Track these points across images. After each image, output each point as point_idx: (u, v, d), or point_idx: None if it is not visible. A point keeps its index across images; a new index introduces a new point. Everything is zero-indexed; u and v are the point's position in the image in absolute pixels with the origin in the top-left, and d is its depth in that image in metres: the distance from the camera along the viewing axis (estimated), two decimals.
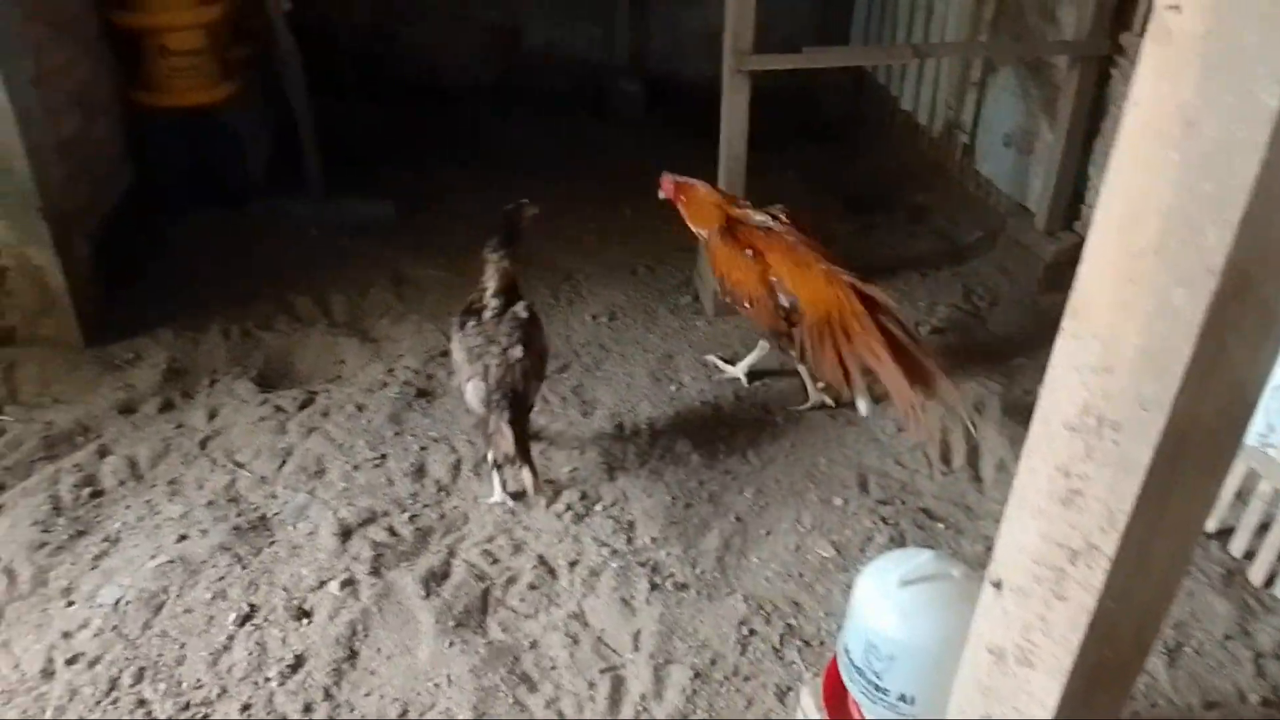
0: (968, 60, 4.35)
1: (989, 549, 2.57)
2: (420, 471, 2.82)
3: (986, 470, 2.89)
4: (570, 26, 5.55)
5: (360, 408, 3.06)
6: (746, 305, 2.99)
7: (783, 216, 3.00)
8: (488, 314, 2.67)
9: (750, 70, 3.17)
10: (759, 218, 3.00)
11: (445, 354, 3.34)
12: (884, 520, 2.67)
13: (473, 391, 2.60)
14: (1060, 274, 3.71)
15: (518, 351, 2.59)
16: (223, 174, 4.14)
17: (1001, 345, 3.49)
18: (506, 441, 2.50)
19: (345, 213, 4.22)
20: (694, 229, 3.13)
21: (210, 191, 4.13)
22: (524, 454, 2.52)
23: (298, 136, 4.15)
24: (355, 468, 2.82)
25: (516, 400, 2.56)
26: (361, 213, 4.23)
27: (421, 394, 3.15)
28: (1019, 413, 3.09)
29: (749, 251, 2.94)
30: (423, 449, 2.91)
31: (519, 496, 2.70)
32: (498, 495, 2.70)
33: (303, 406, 3.07)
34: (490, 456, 2.66)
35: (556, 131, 5.28)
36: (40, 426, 2.94)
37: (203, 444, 2.92)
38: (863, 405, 2.83)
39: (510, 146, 5.04)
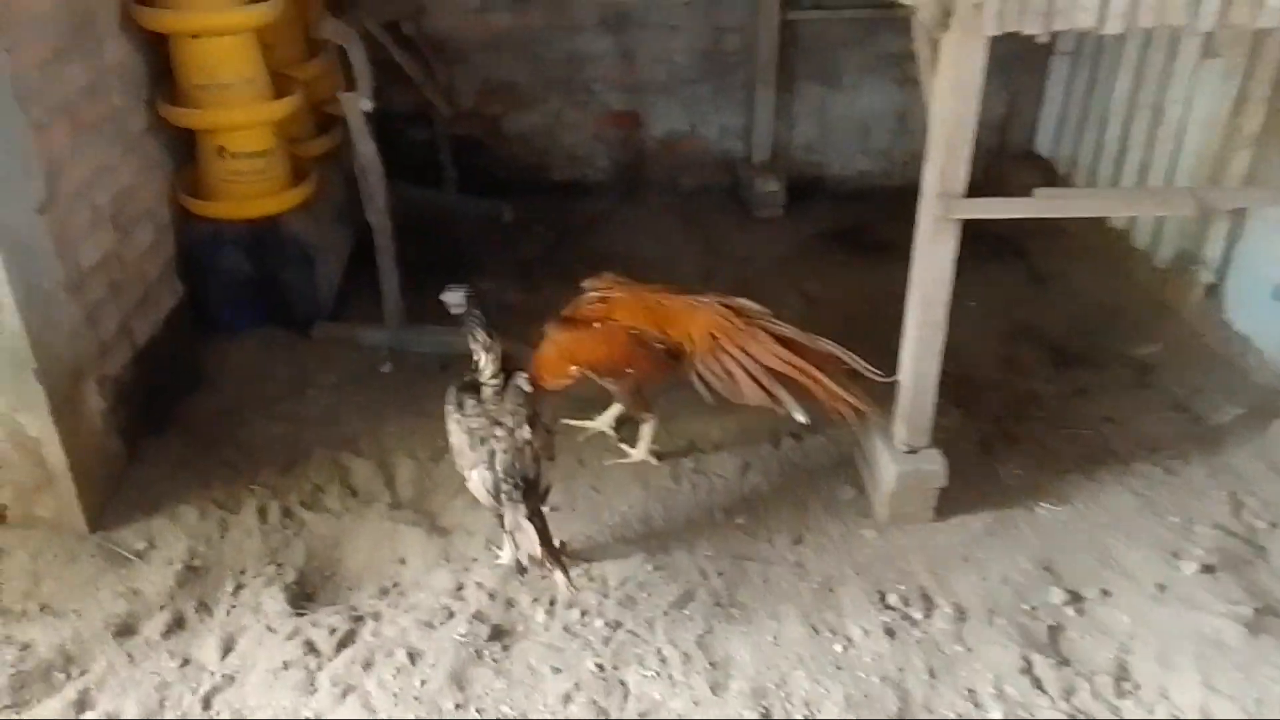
0: (1220, 172, 3.38)
1: None
2: None
3: None
4: (701, 114, 4.78)
5: (414, 657, 2.28)
6: (629, 372, 2.77)
7: (606, 281, 2.85)
8: (488, 390, 2.40)
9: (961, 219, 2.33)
10: (588, 293, 2.82)
11: (538, 563, 2.56)
12: None
13: (478, 481, 2.33)
14: None
15: (525, 432, 2.33)
16: (287, 293, 3.50)
17: None
18: (530, 541, 2.24)
19: (425, 342, 3.52)
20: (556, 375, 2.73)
21: (271, 312, 3.50)
22: (551, 553, 2.27)
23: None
24: None
25: (530, 488, 2.31)
26: (445, 343, 3.51)
27: (496, 634, 2.36)
28: None
29: (596, 325, 2.74)
30: None
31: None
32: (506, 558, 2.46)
33: (341, 645, 2.32)
34: (511, 558, 2.33)
35: (679, 235, 4.51)
36: (14, 654, 2.28)
37: (207, 700, 2.19)
38: (798, 413, 2.63)
39: (626, 252, 4.27)
